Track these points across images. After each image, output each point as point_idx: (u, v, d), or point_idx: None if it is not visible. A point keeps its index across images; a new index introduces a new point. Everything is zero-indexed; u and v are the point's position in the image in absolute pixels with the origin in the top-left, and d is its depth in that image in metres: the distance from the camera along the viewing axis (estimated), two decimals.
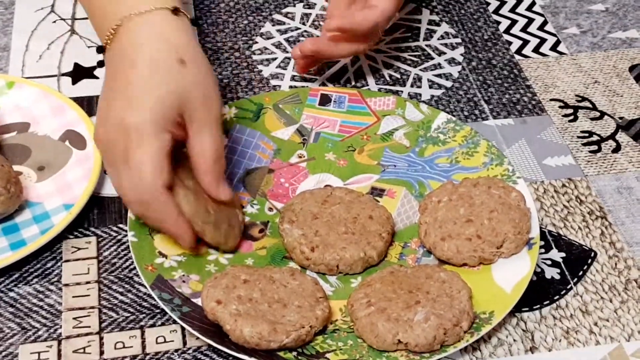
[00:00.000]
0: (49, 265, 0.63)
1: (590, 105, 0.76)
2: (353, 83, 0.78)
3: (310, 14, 0.84)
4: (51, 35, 0.81)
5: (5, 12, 0.83)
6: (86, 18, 0.82)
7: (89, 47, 0.80)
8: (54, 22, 0.82)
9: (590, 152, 0.72)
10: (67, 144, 0.69)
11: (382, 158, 0.70)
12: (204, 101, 0.60)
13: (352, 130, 0.72)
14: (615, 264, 0.64)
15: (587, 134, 0.73)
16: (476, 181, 0.65)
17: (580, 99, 0.77)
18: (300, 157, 0.70)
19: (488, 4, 0.87)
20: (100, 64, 0.78)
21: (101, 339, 0.58)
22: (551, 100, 0.76)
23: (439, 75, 0.79)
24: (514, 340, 0.59)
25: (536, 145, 0.72)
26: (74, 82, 0.76)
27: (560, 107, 0.76)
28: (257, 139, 0.71)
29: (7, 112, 0.72)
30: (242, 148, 0.70)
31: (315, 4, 0.85)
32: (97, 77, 0.77)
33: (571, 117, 0.75)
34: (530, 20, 0.85)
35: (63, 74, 0.77)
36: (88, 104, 0.74)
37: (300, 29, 0.83)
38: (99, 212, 0.66)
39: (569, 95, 0.77)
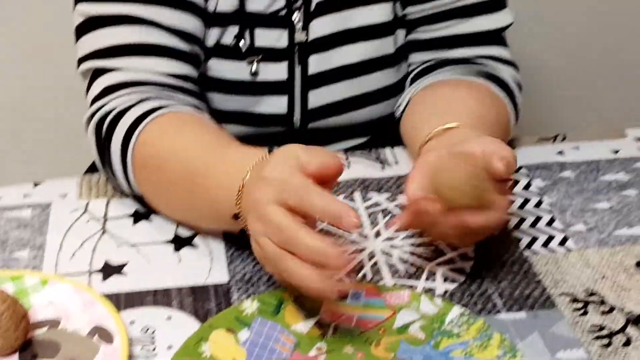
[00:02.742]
0: None
1: (599, 300, 0.79)
2: (370, 278, 0.81)
3: None
4: (84, 234, 0.86)
5: (42, 214, 0.88)
6: (117, 218, 0.87)
7: (118, 246, 0.84)
8: (87, 221, 0.87)
9: (602, 346, 0.74)
10: (96, 339, 0.72)
11: (399, 351, 0.72)
12: None
13: (369, 324, 0.74)
14: None
15: (597, 328, 0.76)
16: None
17: (589, 293, 0.79)
18: (319, 349, 0.73)
19: None
20: None
21: None
22: (561, 294, 0.79)
23: (452, 270, 0.82)
24: None
25: (548, 339, 0.74)
26: (104, 279, 0.80)
27: (570, 301, 0.78)
28: (277, 332, 0.73)
29: (41, 308, 0.75)
30: (264, 340, 0.72)
31: None
32: (125, 274, 0.81)
33: (581, 311, 0.77)
34: (539, 218, 0.89)
35: (94, 271, 0.81)
36: (117, 300, 0.77)
37: (319, 225, 0.87)
38: None
39: (579, 289, 0.80)
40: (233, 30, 0.96)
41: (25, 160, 1.71)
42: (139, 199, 0.88)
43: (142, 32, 0.89)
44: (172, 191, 0.83)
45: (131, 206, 0.89)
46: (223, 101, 0.98)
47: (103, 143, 0.87)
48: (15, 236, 0.85)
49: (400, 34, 1.02)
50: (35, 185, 0.93)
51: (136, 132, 0.84)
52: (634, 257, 0.84)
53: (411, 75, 1.02)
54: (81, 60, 0.92)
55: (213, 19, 0.95)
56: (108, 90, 0.89)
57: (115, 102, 0.88)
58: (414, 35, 1.01)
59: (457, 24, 0.99)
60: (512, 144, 1.01)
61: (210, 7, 0.94)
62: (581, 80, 1.96)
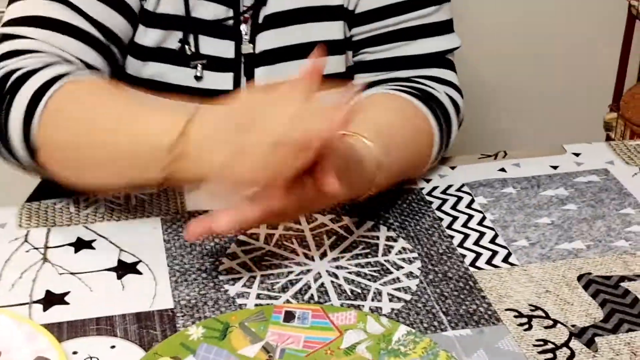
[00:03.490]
0: None
1: (543, 314, 0.79)
2: (316, 299, 0.81)
3: (274, 234, 0.89)
4: (24, 264, 0.84)
5: None
6: (58, 246, 0.86)
7: (60, 274, 0.83)
8: (27, 251, 0.86)
9: None
10: None
11: None
12: None
13: (316, 345, 0.74)
14: None
15: (542, 342, 0.76)
16: None
17: (533, 307, 0.80)
18: None
19: (442, 219, 0.92)
20: None
21: None
22: (506, 310, 0.80)
23: (398, 289, 0.82)
24: None
25: (494, 354, 0.75)
26: (45, 309, 0.79)
27: (515, 316, 0.79)
28: (223, 357, 0.72)
29: None
30: None
31: (277, 225, 0.90)
32: (67, 303, 0.79)
33: (526, 326, 0.78)
34: (482, 234, 0.90)
35: (35, 302, 0.80)
36: (59, 330, 0.76)
37: (264, 248, 0.87)
38: None
39: (523, 304, 0.80)
40: (177, 34, 0.95)
41: None
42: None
43: (63, 12, 0.89)
44: (87, 142, 0.81)
45: (72, 235, 0.88)
46: None
47: (3, 96, 0.84)
48: None
49: (351, 54, 1.02)
50: None
51: (47, 94, 0.82)
52: (575, 270, 0.85)
53: None
54: None
55: (154, 20, 0.94)
56: (16, 53, 0.87)
57: (23, 62, 0.86)
58: (359, 57, 1.02)
59: (401, 46, 1.00)
60: (452, 161, 1.02)
61: (149, 6, 0.94)
62: (519, 97, 2.00)
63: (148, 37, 0.95)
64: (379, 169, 0.84)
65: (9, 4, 0.92)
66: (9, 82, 0.84)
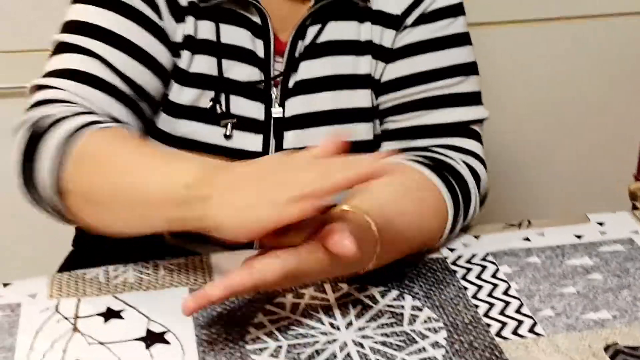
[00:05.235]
0: None
1: None
2: None
3: (300, 303, 0.89)
4: (54, 334, 0.85)
5: (12, 314, 0.88)
6: (88, 316, 0.87)
7: (90, 343, 0.84)
8: (58, 321, 0.87)
9: None
10: None
11: None
12: None
13: None
14: None
15: None
16: None
17: None
18: None
19: (466, 288, 0.92)
20: None
21: None
22: None
23: (424, 359, 0.82)
24: None
25: None
26: None
27: None
28: None
29: None
30: None
31: (304, 294, 0.91)
32: None
33: None
34: (507, 303, 0.90)
35: None
36: None
37: (290, 317, 0.87)
38: None
39: None
40: (209, 94, 0.98)
41: None
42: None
43: (95, 66, 0.93)
44: (107, 186, 0.83)
45: (102, 305, 0.89)
46: None
47: (34, 141, 0.87)
48: None
49: (377, 122, 1.04)
50: (5, 285, 0.92)
51: (76, 138, 0.85)
52: (602, 340, 0.85)
53: None
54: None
55: (188, 79, 0.98)
56: (47, 102, 0.91)
57: (54, 110, 0.89)
58: (385, 125, 1.04)
59: (424, 115, 1.01)
60: (476, 230, 1.02)
61: (182, 64, 0.97)
62: (543, 167, 2.00)
63: (183, 95, 0.98)
64: (379, 245, 0.84)
65: (50, 57, 0.97)
66: (41, 127, 0.87)
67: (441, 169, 0.97)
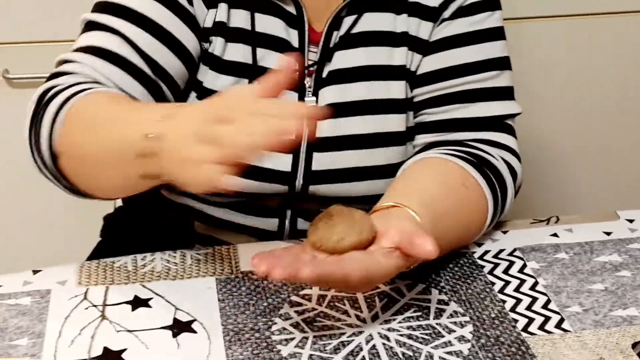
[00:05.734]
0: None
1: None
2: None
3: (326, 295, 0.90)
4: (83, 321, 0.86)
5: (42, 301, 0.89)
6: (116, 304, 0.88)
7: (117, 331, 0.85)
8: (86, 308, 0.88)
9: None
10: None
11: None
12: None
13: None
14: None
15: None
16: None
17: None
18: None
19: (493, 283, 0.92)
20: None
21: None
22: None
23: (449, 353, 0.82)
24: None
25: None
26: None
27: None
28: None
29: None
30: None
31: (329, 288, 0.91)
32: None
33: None
34: (535, 299, 0.90)
35: (93, 358, 0.81)
36: None
37: (316, 309, 0.87)
38: None
39: None
40: (244, 82, 0.99)
41: (24, 248, 1.72)
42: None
43: (118, 44, 0.95)
44: (88, 143, 0.86)
45: (130, 293, 0.90)
46: None
47: (38, 111, 0.91)
48: (14, 324, 0.86)
49: (411, 114, 1.04)
50: (35, 272, 0.94)
51: (69, 103, 0.89)
52: (630, 338, 0.84)
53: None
54: None
55: (224, 67, 0.99)
56: (61, 74, 0.94)
57: (59, 81, 0.93)
58: (419, 118, 1.03)
59: (459, 108, 1.01)
60: (504, 225, 1.02)
61: (215, 51, 0.98)
62: (573, 163, 1.99)
63: (219, 83, 0.99)
64: None
65: (79, 34, 0.99)
66: (44, 98, 0.91)
67: (482, 165, 0.97)
